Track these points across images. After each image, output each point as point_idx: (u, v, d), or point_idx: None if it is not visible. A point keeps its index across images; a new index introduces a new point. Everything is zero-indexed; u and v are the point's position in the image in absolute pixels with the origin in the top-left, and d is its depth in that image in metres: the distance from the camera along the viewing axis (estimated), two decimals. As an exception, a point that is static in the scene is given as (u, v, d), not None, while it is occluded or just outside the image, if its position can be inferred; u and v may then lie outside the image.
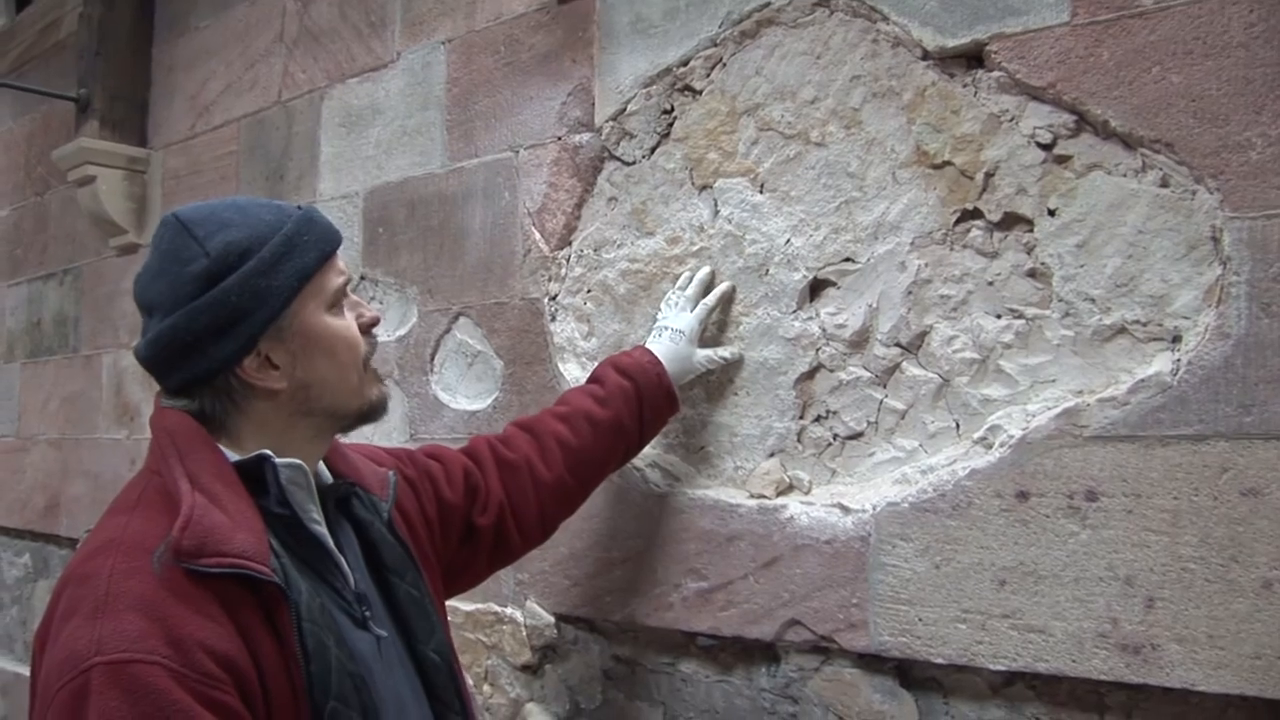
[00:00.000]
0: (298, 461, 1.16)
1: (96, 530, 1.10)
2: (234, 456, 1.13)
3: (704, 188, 1.98)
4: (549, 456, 1.65)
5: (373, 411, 1.25)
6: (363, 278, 2.64)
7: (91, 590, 0.99)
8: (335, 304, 1.19)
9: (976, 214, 1.64)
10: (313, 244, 1.15)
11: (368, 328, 1.24)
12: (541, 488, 1.64)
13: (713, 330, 1.92)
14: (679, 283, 1.92)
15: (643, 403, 1.73)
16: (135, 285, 1.17)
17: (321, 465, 1.28)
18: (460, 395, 2.39)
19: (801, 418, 1.83)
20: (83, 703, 0.92)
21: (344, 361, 1.19)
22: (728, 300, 1.89)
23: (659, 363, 1.76)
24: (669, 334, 1.81)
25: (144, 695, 0.92)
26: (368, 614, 1.20)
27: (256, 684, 1.02)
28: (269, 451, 1.13)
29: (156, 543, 1.02)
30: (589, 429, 1.68)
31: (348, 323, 1.20)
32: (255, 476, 1.13)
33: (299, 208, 1.19)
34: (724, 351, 1.86)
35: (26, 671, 4.03)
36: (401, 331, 2.52)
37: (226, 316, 1.10)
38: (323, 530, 1.18)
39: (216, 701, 0.96)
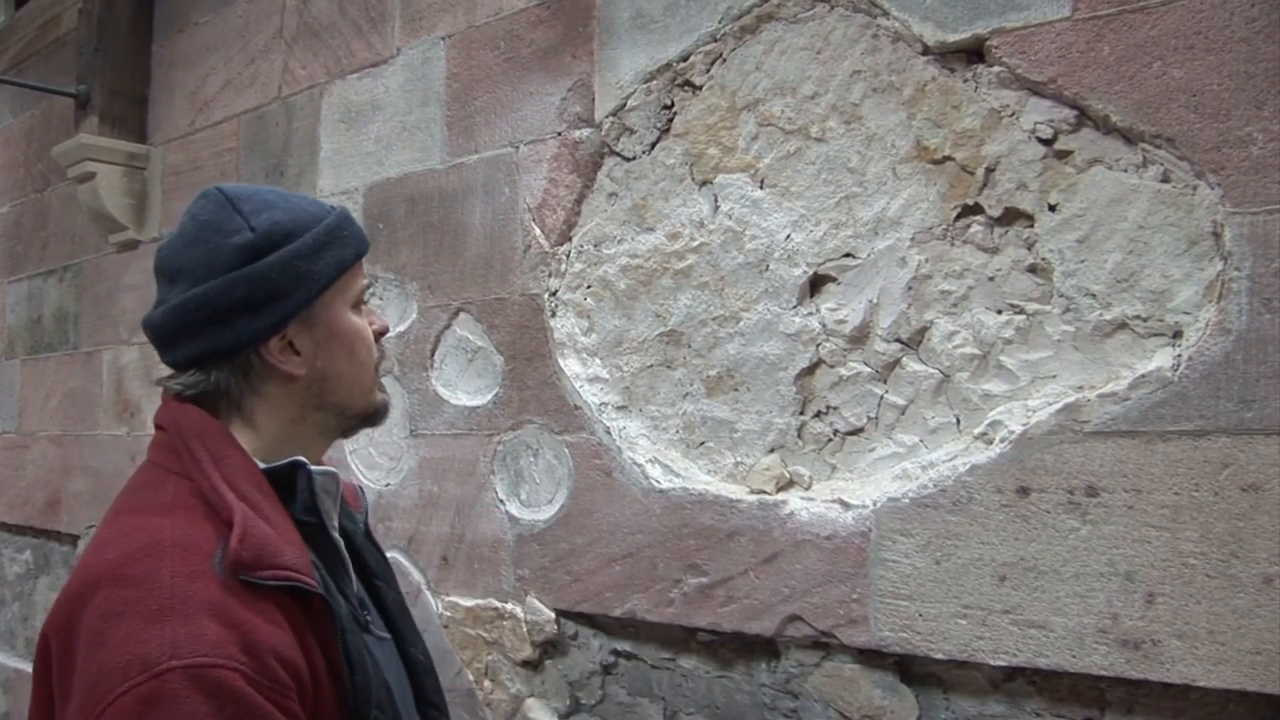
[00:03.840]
0: (331, 470, 1.17)
1: (125, 531, 1.04)
2: (261, 464, 1.13)
3: (704, 183, 1.97)
4: None
5: (376, 415, 1.25)
6: (363, 274, 2.64)
7: (150, 592, 0.95)
8: (358, 304, 1.20)
9: (977, 209, 1.64)
10: (351, 240, 1.17)
11: (378, 336, 1.25)
12: None
13: None
14: None
15: None
16: (161, 252, 1.15)
17: None
18: (460, 391, 2.39)
19: (802, 413, 1.83)
20: (154, 707, 0.89)
21: (361, 360, 1.19)
22: None
23: None
24: None
25: (229, 700, 0.91)
26: (369, 618, 1.20)
27: (311, 691, 1.01)
28: (304, 459, 1.13)
29: (209, 546, 0.99)
30: None
31: (366, 324, 1.21)
32: (286, 483, 1.13)
33: (332, 208, 1.20)
34: None
35: (28, 667, 4.05)
36: (402, 327, 2.52)
37: (264, 293, 1.09)
38: (339, 537, 1.19)
39: (289, 710, 0.96)
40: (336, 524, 1.19)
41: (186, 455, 1.08)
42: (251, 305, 1.09)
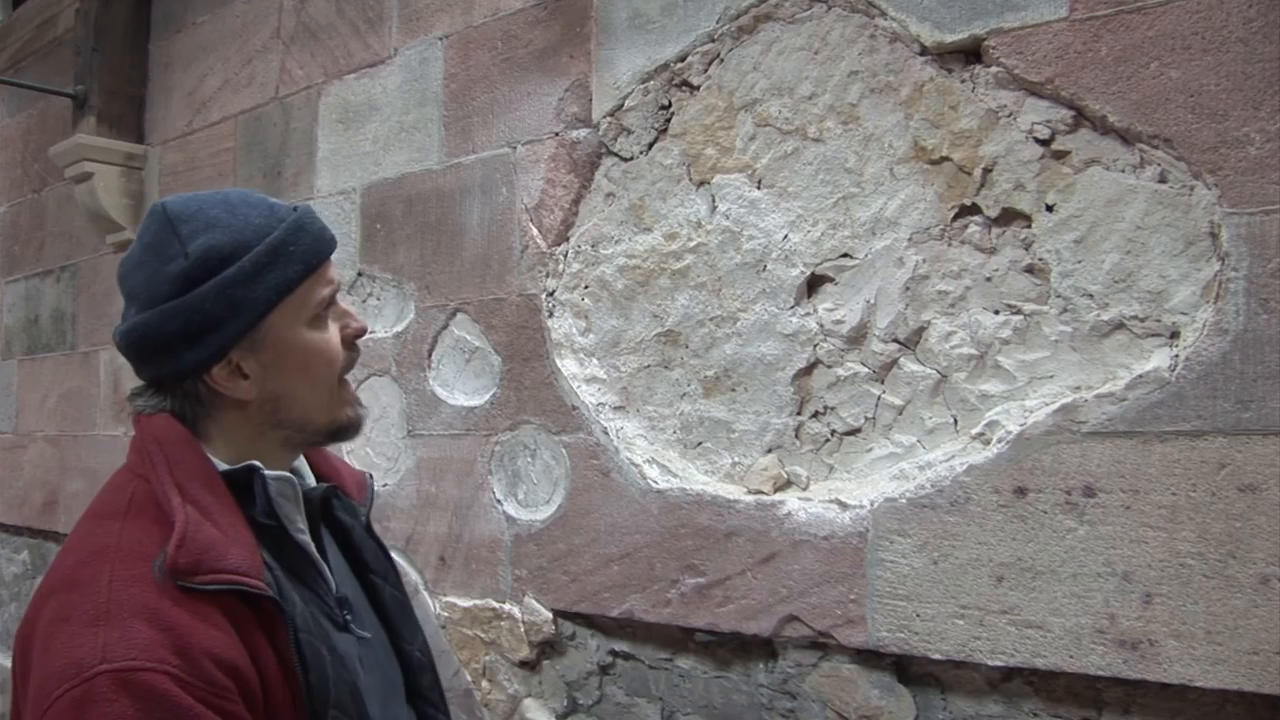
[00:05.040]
0: (287, 474, 1.15)
1: (84, 535, 1.07)
2: (222, 465, 1.13)
3: (701, 183, 1.97)
4: None
5: (342, 431, 1.21)
6: (360, 274, 2.64)
7: (90, 597, 0.97)
8: (317, 316, 1.15)
9: (974, 209, 1.64)
10: (299, 255, 1.12)
11: (352, 339, 1.20)
12: None
13: None
14: None
15: None
16: (119, 269, 1.15)
17: (305, 467, 1.27)
18: (458, 391, 2.39)
19: (799, 414, 1.83)
20: (85, 710, 0.90)
21: (317, 377, 1.16)
22: None
23: None
24: None
25: (155, 702, 0.91)
26: (348, 617, 1.20)
27: (259, 693, 1.01)
28: (258, 463, 1.12)
29: (154, 550, 1.00)
30: None
31: (327, 337, 1.16)
32: (243, 485, 1.12)
33: (294, 209, 1.15)
34: None
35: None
36: (399, 327, 2.52)
37: (199, 323, 1.07)
38: (307, 539, 1.18)
39: (226, 711, 0.96)
40: (304, 526, 1.17)
41: (146, 459, 1.09)
42: (188, 336, 1.08)
